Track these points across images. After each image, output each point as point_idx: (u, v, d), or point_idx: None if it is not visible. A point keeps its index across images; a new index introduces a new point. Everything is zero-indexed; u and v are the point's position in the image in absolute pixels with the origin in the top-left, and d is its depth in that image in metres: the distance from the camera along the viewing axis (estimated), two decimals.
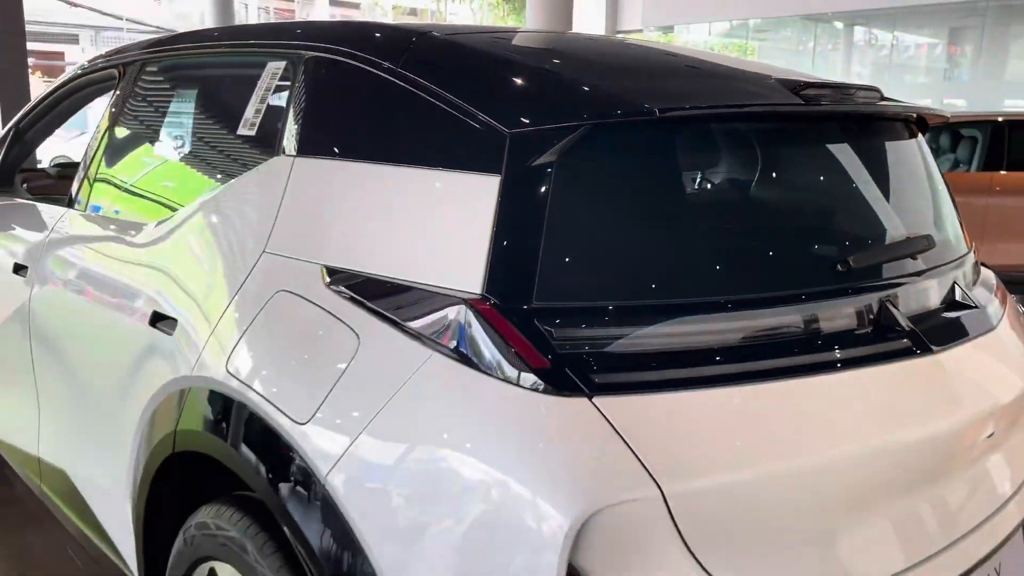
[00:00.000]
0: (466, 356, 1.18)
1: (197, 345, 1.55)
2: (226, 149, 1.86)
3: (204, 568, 1.59)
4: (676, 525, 1.11)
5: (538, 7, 9.03)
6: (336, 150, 1.51)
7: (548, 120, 1.28)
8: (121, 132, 2.21)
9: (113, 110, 2.22)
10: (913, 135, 1.74)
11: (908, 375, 1.35)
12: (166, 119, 2.14)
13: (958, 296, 1.55)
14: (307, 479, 1.27)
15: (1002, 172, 6.55)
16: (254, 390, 1.38)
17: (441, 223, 1.30)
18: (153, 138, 2.18)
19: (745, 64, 1.68)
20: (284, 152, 1.59)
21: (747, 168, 1.46)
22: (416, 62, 1.47)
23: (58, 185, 3.20)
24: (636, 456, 1.10)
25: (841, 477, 1.24)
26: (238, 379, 1.42)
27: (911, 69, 15.52)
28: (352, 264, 1.37)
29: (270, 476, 1.34)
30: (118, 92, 2.25)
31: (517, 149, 1.26)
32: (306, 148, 1.55)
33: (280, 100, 1.70)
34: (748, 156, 1.46)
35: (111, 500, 1.94)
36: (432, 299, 1.24)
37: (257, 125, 1.72)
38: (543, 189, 1.23)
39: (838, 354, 1.30)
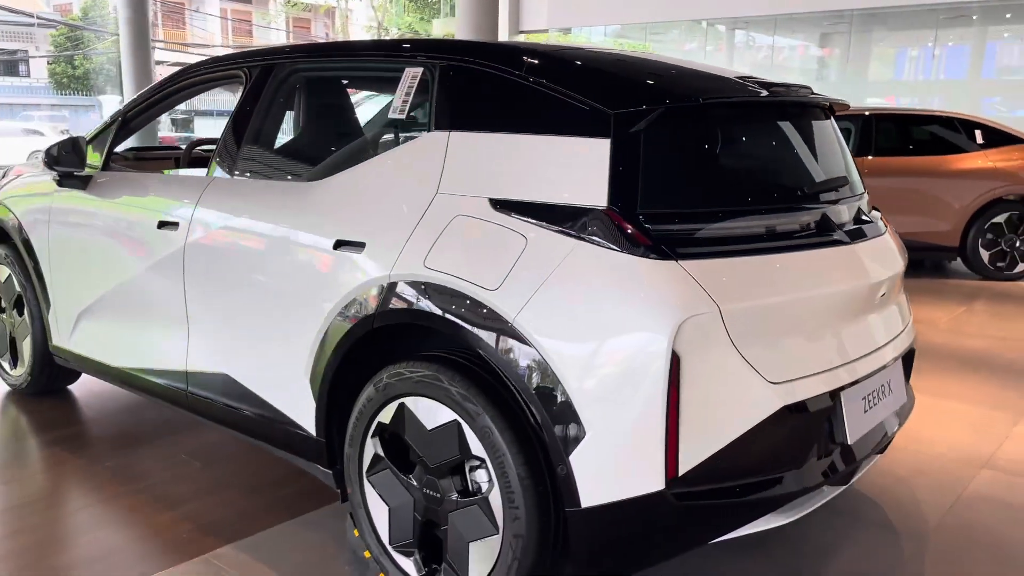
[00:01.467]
0: (600, 241, 2.05)
1: (391, 255, 2.34)
2: (377, 127, 2.66)
3: (392, 406, 2.38)
4: (726, 328, 2.01)
5: (466, 6, 9.88)
6: (483, 126, 2.34)
7: (632, 105, 2.16)
8: (266, 118, 2.96)
9: (257, 101, 2.96)
10: (828, 117, 2.71)
11: (842, 255, 2.33)
12: (312, 105, 2.91)
13: (862, 214, 2.54)
14: (499, 321, 2.10)
15: (870, 157, 7.85)
16: (451, 275, 2.20)
17: (574, 166, 2.15)
18: (306, 120, 2.95)
19: (726, 70, 2.61)
20: (437, 128, 2.41)
21: (749, 132, 2.40)
22: (534, 69, 2.33)
23: (148, 164, 3.88)
24: (704, 290, 1.99)
25: (817, 304, 2.20)
26: (436, 271, 2.23)
27: (787, 69, 17.15)
28: (511, 195, 2.21)
29: (469, 326, 2.16)
30: (252, 88, 2.99)
31: (618, 123, 2.13)
32: (458, 125, 2.38)
33: (422, 95, 2.52)
34: (747, 125, 2.41)
35: (283, 381, 2.70)
36: (575, 211, 2.10)
37: (405, 111, 2.54)
38: (635, 145, 2.11)
39: (811, 240, 2.27)
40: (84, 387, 4.20)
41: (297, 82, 3.04)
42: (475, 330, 2.16)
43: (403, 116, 2.55)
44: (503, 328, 2.10)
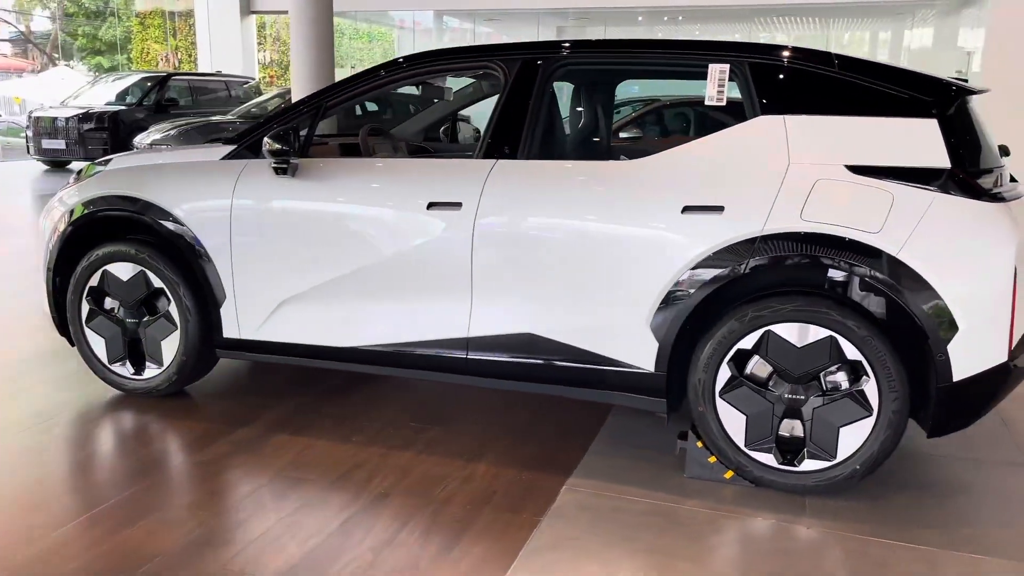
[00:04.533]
0: (954, 192, 2.87)
1: (759, 214, 2.96)
2: (695, 114, 3.21)
3: (756, 334, 3.01)
4: None
5: None
6: (815, 111, 3.03)
7: (940, 94, 3.00)
8: (546, 106, 3.33)
9: (532, 91, 3.32)
10: None
11: None
12: (597, 97, 3.34)
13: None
14: (885, 256, 2.84)
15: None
16: (832, 224, 2.89)
17: (912, 139, 2.94)
18: (595, 109, 3.36)
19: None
20: (766, 113, 3.06)
21: (976, 114, 3.32)
22: (846, 66, 3.07)
23: (317, 150, 3.94)
24: (1017, 223, 2.92)
25: None
26: (816, 221, 2.90)
27: None
28: (864, 162, 2.94)
29: (853, 260, 2.87)
30: (519, 80, 3.34)
31: (936, 106, 2.96)
32: (790, 110, 3.04)
33: (733, 86, 3.14)
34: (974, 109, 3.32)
35: (617, 331, 3.16)
36: (928, 172, 2.89)
37: (722, 100, 3.14)
38: (950, 122, 2.95)
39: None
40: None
41: (576, 75, 3.44)
42: (859, 264, 2.88)
43: (722, 103, 3.16)
44: (889, 260, 2.86)
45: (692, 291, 3.06)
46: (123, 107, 14.63)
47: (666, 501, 3.04)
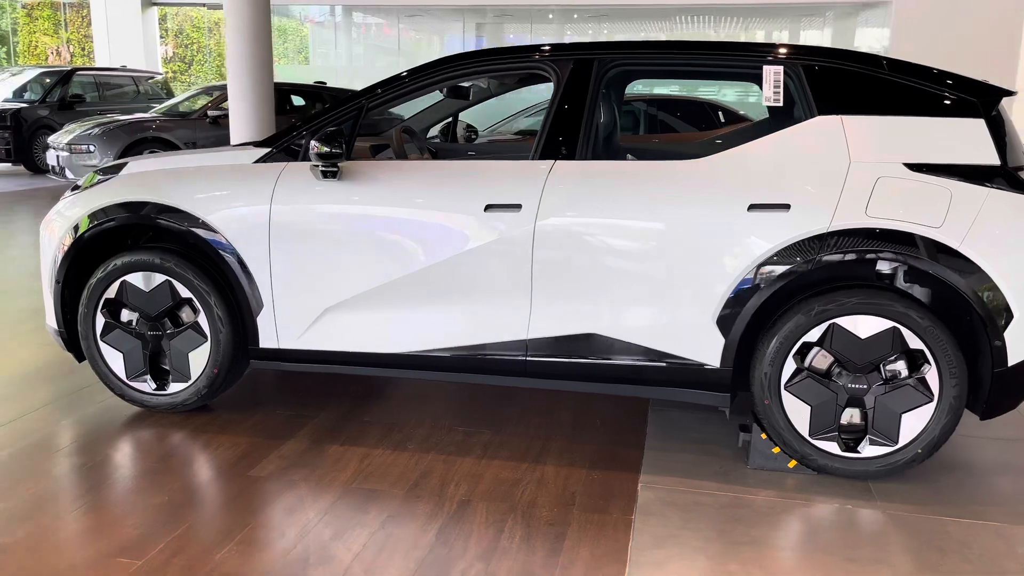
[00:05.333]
0: (1006, 189, 3.03)
1: (825, 211, 3.05)
2: (753, 112, 3.28)
3: (822, 327, 3.12)
4: None
5: None
6: (870, 111, 3.16)
7: (985, 95, 3.17)
8: (600, 107, 3.34)
9: (587, 92, 3.32)
10: None
11: None
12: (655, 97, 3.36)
13: None
14: (946, 248, 2.97)
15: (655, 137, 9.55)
16: (896, 219, 3.01)
17: (962, 138, 3.09)
18: (652, 108, 3.37)
19: None
20: (822, 113, 3.16)
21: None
22: (894, 68, 3.21)
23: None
24: None
25: None
26: (879, 217, 3.02)
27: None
28: (922, 160, 3.08)
29: (918, 254, 3.00)
30: (573, 80, 3.34)
31: (981, 107, 3.13)
32: (843, 110, 3.15)
33: (791, 86, 3.23)
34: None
35: (683, 329, 3.21)
36: (981, 169, 3.05)
37: (780, 100, 3.23)
38: (995, 122, 3.13)
39: None
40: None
41: (629, 76, 3.45)
42: (923, 257, 3.02)
43: (780, 104, 3.24)
44: (951, 253, 3.01)
45: (759, 288, 3.14)
46: (24, 104, 13.78)
47: (741, 493, 3.11)
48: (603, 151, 3.39)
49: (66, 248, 3.69)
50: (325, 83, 12.78)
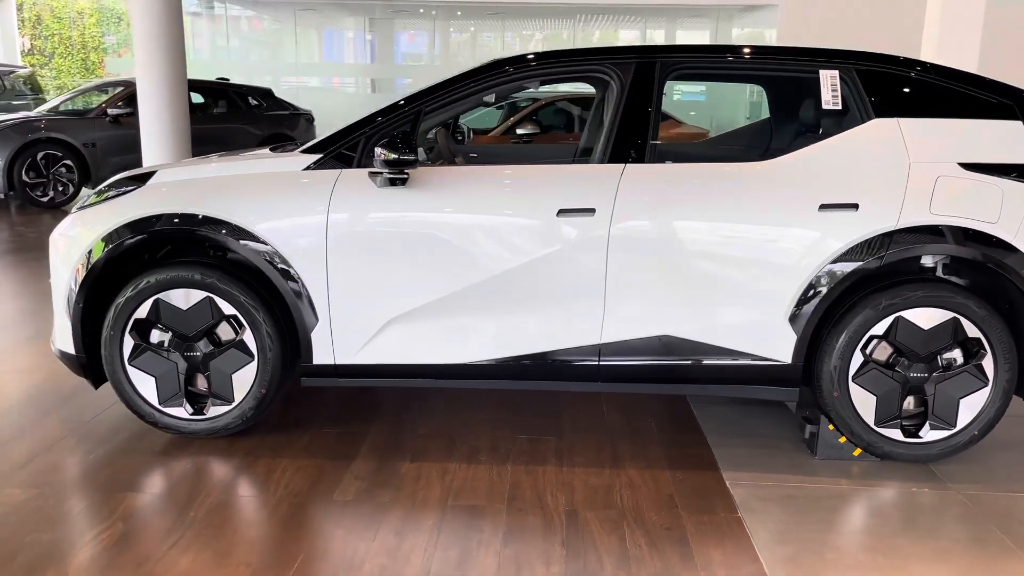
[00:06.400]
0: None
1: (892, 209, 3.20)
2: (814, 116, 3.39)
3: (887, 320, 3.27)
4: None
5: None
6: (924, 114, 3.33)
7: (1018, 99, 3.40)
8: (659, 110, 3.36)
9: (651, 96, 3.34)
10: None
11: None
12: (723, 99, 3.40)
13: None
14: (1001, 243, 3.18)
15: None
16: (959, 216, 3.19)
17: (1007, 139, 3.31)
18: (730, 110, 3.40)
19: None
20: (879, 116, 3.31)
21: None
22: (934, 72, 3.40)
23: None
24: None
25: None
26: (943, 215, 3.19)
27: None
28: (974, 159, 3.27)
29: (979, 247, 3.19)
30: (636, 84, 3.35)
31: (1018, 110, 3.36)
32: (902, 113, 3.31)
33: (844, 90, 3.36)
34: None
35: (756, 327, 3.29)
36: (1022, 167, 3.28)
37: (838, 104, 3.35)
38: None
39: None
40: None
41: (687, 79, 3.47)
42: (982, 251, 3.22)
43: (838, 107, 3.36)
44: (1006, 247, 3.21)
45: (831, 285, 3.26)
46: None
47: (823, 484, 3.23)
48: (670, 153, 3.42)
49: (89, 267, 3.38)
50: (228, 79, 12.22)
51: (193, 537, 2.77)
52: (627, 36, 18.34)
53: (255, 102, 11.74)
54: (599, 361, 3.37)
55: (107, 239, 3.36)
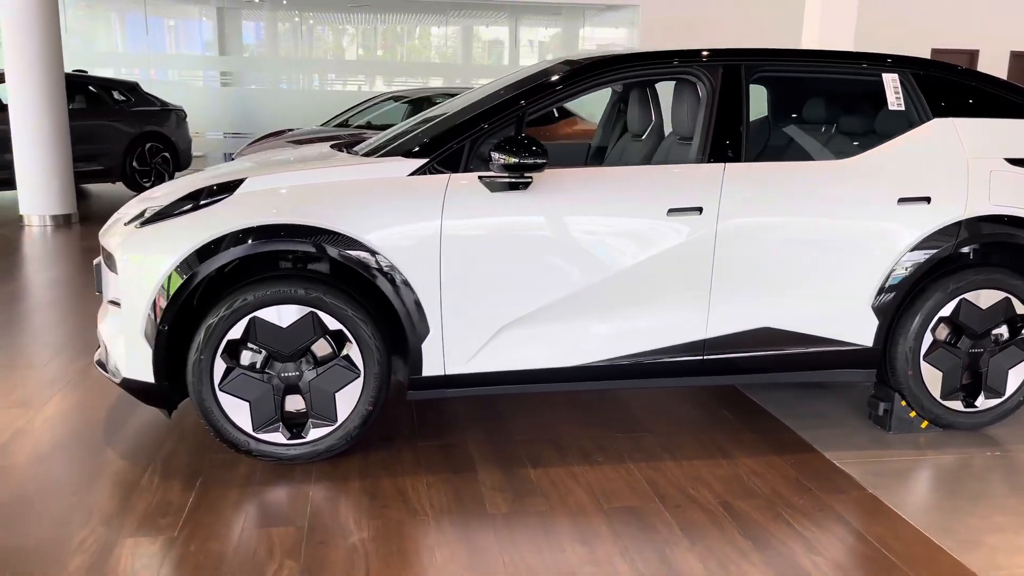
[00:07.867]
0: None
1: (959, 202, 3.51)
2: (879, 117, 3.64)
3: (954, 302, 3.59)
4: None
5: None
6: (972, 114, 3.67)
7: None
8: (749, 112, 3.50)
9: (741, 98, 3.46)
10: None
11: None
12: (803, 101, 3.59)
13: None
14: None
15: None
16: (1011, 206, 3.55)
17: None
18: (801, 112, 3.58)
19: None
20: (937, 116, 3.62)
21: None
22: (976, 77, 3.76)
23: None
24: None
25: None
26: (1001, 205, 3.54)
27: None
28: (1016, 155, 3.64)
29: None
30: (726, 86, 3.46)
31: None
32: (956, 113, 3.64)
33: (907, 92, 3.65)
34: None
35: (843, 315, 3.52)
36: None
37: (901, 105, 3.63)
38: None
39: None
40: None
41: (770, 80, 3.61)
42: None
43: (901, 109, 3.64)
44: None
45: (910, 271, 3.53)
46: None
47: (917, 457, 3.51)
48: (763, 152, 3.57)
49: (177, 287, 3.06)
50: (86, 71, 11.17)
51: (380, 567, 2.60)
52: (488, 34, 18.43)
53: (121, 97, 10.82)
54: (703, 356, 3.46)
55: (201, 253, 3.06)
